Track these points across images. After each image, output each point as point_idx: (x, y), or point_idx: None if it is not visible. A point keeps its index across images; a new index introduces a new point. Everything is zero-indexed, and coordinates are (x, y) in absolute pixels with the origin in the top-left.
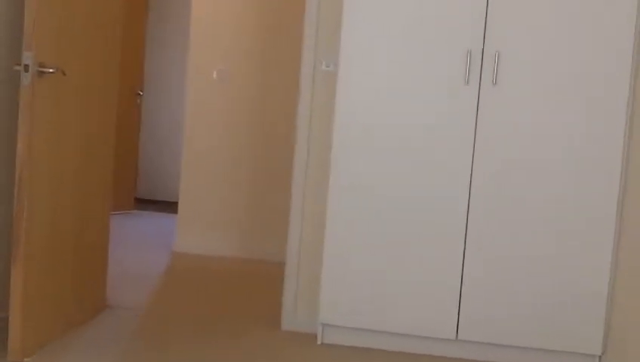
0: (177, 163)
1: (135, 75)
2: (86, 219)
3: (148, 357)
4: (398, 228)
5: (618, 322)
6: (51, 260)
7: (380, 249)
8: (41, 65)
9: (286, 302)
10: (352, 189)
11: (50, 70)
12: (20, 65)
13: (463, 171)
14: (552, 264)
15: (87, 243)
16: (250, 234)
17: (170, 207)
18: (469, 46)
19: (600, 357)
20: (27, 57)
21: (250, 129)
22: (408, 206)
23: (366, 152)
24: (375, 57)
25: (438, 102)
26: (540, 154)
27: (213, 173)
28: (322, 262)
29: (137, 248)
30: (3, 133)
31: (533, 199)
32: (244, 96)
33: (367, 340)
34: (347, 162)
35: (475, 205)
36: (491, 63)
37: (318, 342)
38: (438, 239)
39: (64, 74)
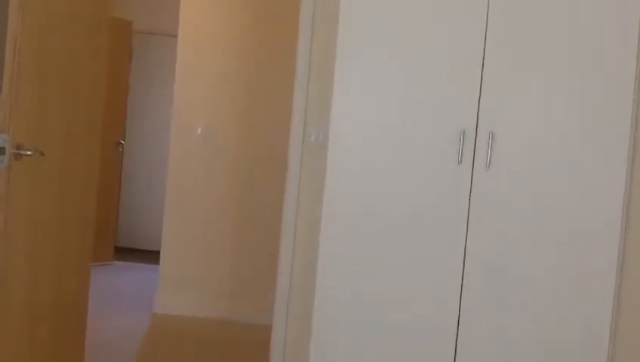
0: (158, 212)
1: (116, 123)
2: (64, 296)
3: None
4: (386, 317)
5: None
6: (27, 340)
7: (370, 339)
8: (19, 147)
9: None
10: (340, 273)
11: (28, 153)
12: None
13: (456, 256)
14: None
15: (65, 326)
16: (234, 294)
17: (150, 256)
18: (463, 126)
19: None
20: (3, 140)
21: (234, 187)
22: (397, 292)
23: (354, 235)
24: (366, 133)
25: (429, 183)
26: (536, 239)
27: (196, 233)
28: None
29: (116, 310)
30: None
31: (528, 288)
32: (228, 152)
33: None
34: (335, 246)
35: (467, 294)
36: (485, 144)
37: None
38: (429, 334)
39: (43, 154)
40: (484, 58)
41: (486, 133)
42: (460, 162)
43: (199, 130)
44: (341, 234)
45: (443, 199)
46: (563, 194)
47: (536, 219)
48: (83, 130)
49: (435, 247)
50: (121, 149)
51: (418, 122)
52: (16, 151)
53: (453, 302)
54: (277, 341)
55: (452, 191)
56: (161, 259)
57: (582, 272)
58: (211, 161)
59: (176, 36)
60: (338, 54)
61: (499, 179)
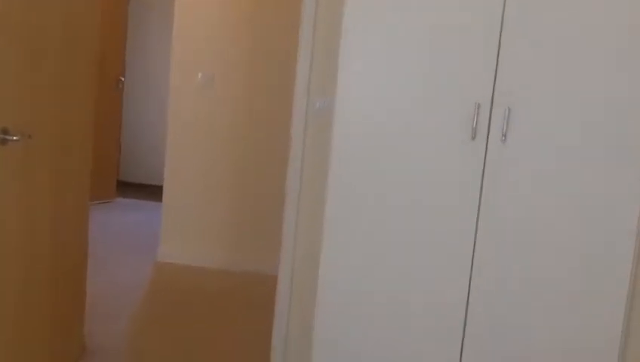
0: (160, 147)
1: (116, 60)
2: (62, 248)
3: None
4: (394, 292)
5: None
6: (26, 311)
7: (379, 308)
8: (4, 131)
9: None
10: (346, 245)
11: (14, 138)
12: None
13: (467, 232)
14: (563, 324)
15: (64, 297)
16: (237, 242)
17: (153, 192)
18: (478, 99)
19: None
20: None
21: (235, 134)
22: (404, 271)
23: (361, 211)
24: (375, 103)
25: (441, 156)
26: (551, 217)
27: (198, 179)
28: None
29: (117, 256)
30: None
31: (542, 264)
32: (230, 97)
33: None
34: (342, 220)
35: (478, 270)
36: (501, 119)
37: None
38: (439, 312)
39: (30, 137)
40: (501, 28)
41: (502, 107)
42: (473, 137)
43: (200, 75)
44: (347, 213)
45: (455, 174)
46: (583, 173)
47: (552, 197)
48: (78, 68)
49: (446, 223)
50: (121, 86)
51: (430, 93)
52: (1, 136)
53: (463, 283)
54: (282, 292)
55: (465, 166)
56: (163, 208)
57: (598, 254)
58: (212, 108)
59: None
60: (346, 17)
61: (514, 155)
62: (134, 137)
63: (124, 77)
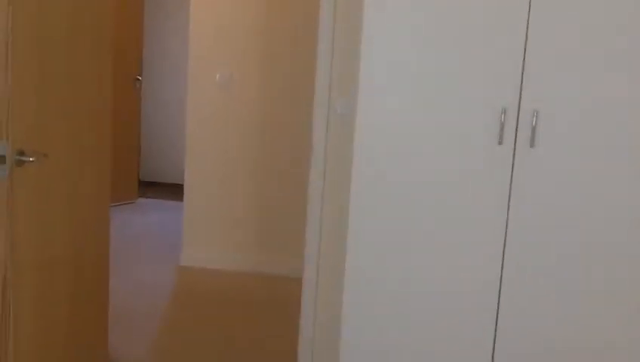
0: (180, 146)
1: (133, 59)
2: (83, 285)
3: None
4: (422, 298)
5: None
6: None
7: (406, 309)
8: (20, 153)
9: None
10: (371, 249)
11: (30, 159)
12: None
13: (496, 241)
14: (594, 338)
15: (86, 309)
16: (261, 244)
17: (174, 191)
18: (504, 103)
19: None
20: (2, 147)
21: (255, 131)
22: (432, 273)
23: (387, 211)
24: (397, 106)
25: (467, 162)
26: (580, 222)
27: (218, 180)
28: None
29: (140, 260)
30: None
31: (574, 275)
32: (248, 97)
33: None
34: (366, 221)
35: (507, 277)
36: (528, 122)
37: None
38: (466, 321)
39: (45, 155)
40: (527, 30)
41: (529, 111)
42: (500, 142)
43: (217, 75)
44: (372, 215)
45: (482, 180)
46: (616, 177)
47: (582, 202)
48: (92, 68)
49: (473, 229)
50: (138, 85)
51: (454, 97)
52: (17, 157)
53: (492, 290)
54: (308, 294)
55: (492, 172)
56: (184, 211)
57: (630, 259)
58: (230, 107)
59: None
60: (366, 17)
61: (542, 160)
62: (154, 136)
63: (141, 76)
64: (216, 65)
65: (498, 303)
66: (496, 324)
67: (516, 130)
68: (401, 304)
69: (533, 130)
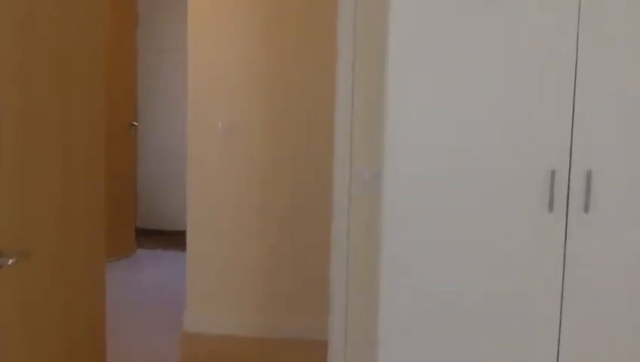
0: (179, 192)
1: (127, 104)
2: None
3: None
4: None
5: None
6: None
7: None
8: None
9: None
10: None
11: (10, 261)
12: None
13: (551, 317)
14: None
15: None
16: (272, 303)
17: (175, 239)
18: (553, 165)
19: None
20: None
21: (262, 180)
22: (482, 359)
23: (424, 294)
24: (431, 171)
25: (514, 232)
26: None
27: (222, 235)
28: None
29: (140, 326)
30: None
31: (636, 345)
32: (253, 146)
33: None
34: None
35: (565, 354)
36: (581, 185)
37: None
38: None
39: (29, 254)
40: (575, 80)
41: (582, 173)
42: (550, 209)
43: (220, 125)
44: (405, 305)
45: (532, 252)
46: None
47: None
48: (83, 121)
49: (526, 308)
50: (134, 131)
51: (496, 159)
52: None
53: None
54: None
55: (543, 242)
56: (187, 269)
57: None
58: (234, 157)
59: None
60: (390, 66)
61: (598, 227)
62: (152, 183)
63: (137, 121)
64: (218, 112)
65: None
66: None
67: (568, 194)
68: None
69: (587, 193)
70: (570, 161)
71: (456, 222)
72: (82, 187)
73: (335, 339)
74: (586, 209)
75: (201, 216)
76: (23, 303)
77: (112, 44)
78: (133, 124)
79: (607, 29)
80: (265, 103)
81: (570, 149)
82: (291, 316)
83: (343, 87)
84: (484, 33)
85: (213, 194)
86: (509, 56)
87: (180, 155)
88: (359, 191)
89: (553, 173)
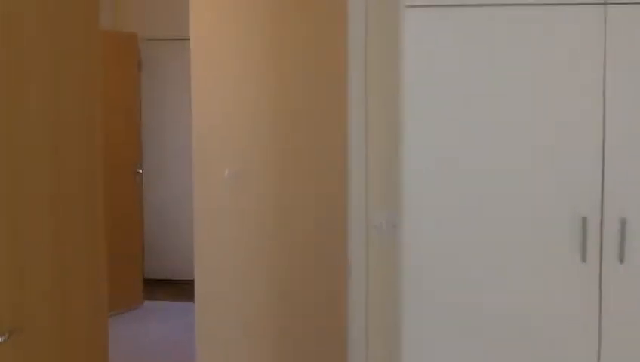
0: (188, 241)
1: (132, 151)
2: None
3: None
4: None
5: None
6: None
7: None
8: None
9: None
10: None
11: (1, 339)
12: None
13: None
14: None
15: None
16: (284, 360)
17: (183, 290)
18: (584, 211)
19: None
20: None
21: (273, 228)
22: None
23: (447, 341)
24: (454, 218)
25: (546, 283)
26: None
27: (232, 286)
28: None
29: None
30: None
31: None
32: (263, 193)
33: None
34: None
35: None
36: (615, 234)
37: None
38: None
39: (21, 330)
40: (604, 128)
41: (615, 220)
42: (584, 258)
43: (226, 171)
44: (429, 338)
45: (566, 304)
46: None
47: None
48: (79, 185)
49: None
50: (139, 179)
51: (524, 206)
52: None
53: None
54: None
55: (577, 294)
56: (196, 332)
57: None
58: (243, 204)
59: (187, 39)
60: (405, 110)
61: (636, 278)
62: (158, 231)
63: (141, 169)
64: (224, 157)
65: None
66: None
67: (601, 243)
68: None
69: (622, 242)
70: (602, 207)
71: (484, 273)
72: (80, 244)
73: None
74: (621, 259)
75: (210, 266)
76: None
77: (115, 88)
78: (138, 172)
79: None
80: (273, 146)
81: (602, 194)
82: None
83: (356, 131)
84: (510, 67)
85: (221, 243)
86: (536, 97)
87: (187, 201)
88: (376, 244)
89: (584, 220)
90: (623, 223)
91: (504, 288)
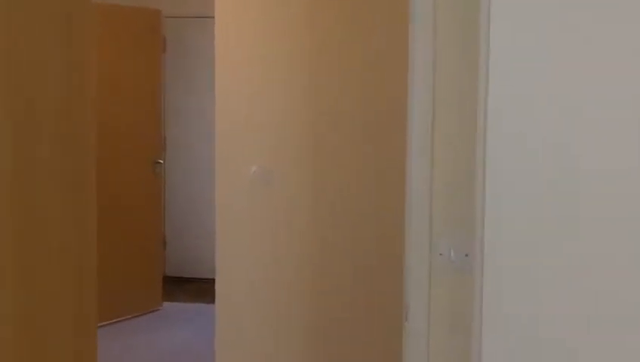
0: (209, 236)
1: (153, 141)
2: None
3: None
4: None
5: None
6: None
7: None
8: None
9: None
10: None
11: None
12: None
13: None
14: None
15: None
16: None
17: (204, 289)
18: None
19: None
20: None
21: (306, 232)
22: None
23: None
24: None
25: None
26: None
27: (256, 290)
28: None
29: None
30: None
31: None
32: (294, 194)
33: None
34: None
35: None
36: None
37: None
38: None
39: None
40: None
41: None
42: None
43: (254, 169)
44: None
45: None
46: None
47: None
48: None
49: None
50: (159, 170)
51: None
52: None
53: None
54: None
55: None
56: (217, 334)
57: None
58: (271, 206)
59: (212, 17)
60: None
61: None
62: (179, 226)
63: (163, 159)
64: (251, 152)
65: None
66: None
67: None
68: None
69: None
70: None
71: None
72: (53, 246)
73: None
74: None
75: (232, 266)
76: None
77: (136, 70)
78: (159, 162)
79: None
80: (307, 143)
81: None
82: None
83: (417, 135)
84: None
85: (245, 244)
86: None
87: (213, 194)
88: (442, 277)
89: None
90: None
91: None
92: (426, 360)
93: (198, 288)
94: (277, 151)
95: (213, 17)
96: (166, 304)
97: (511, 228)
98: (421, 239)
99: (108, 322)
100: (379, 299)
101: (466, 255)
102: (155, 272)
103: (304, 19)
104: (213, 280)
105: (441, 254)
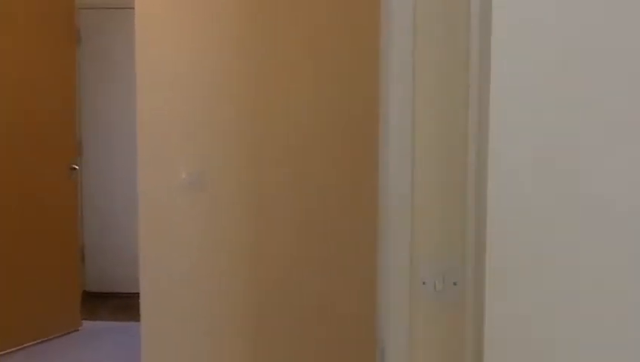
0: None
1: (67, 144)
2: None
3: None
4: None
5: None
6: None
7: None
8: None
9: None
10: None
11: None
12: None
13: None
14: None
15: None
16: None
17: (128, 305)
18: None
19: None
20: None
21: (243, 244)
22: None
23: None
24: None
25: None
26: None
27: (188, 327)
28: None
29: None
30: None
31: None
32: (229, 201)
33: None
34: None
35: None
36: None
37: None
38: None
39: None
40: None
41: None
42: None
43: (183, 176)
44: None
45: None
46: None
47: None
48: None
49: None
50: (75, 176)
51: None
52: None
53: None
54: None
55: None
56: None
57: None
58: (204, 215)
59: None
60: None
61: None
62: (99, 237)
63: (78, 164)
64: (179, 155)
65: None
66: None
67: None
68: None
69: None
70: None
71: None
72: None
73: None
74: None
75: (158, 280)
76: None
77: (46, 65)
78: (74, 168)
79: None
80: (243, 143)
81: None
82: None
83: (393, 132)
84: None
85: (171, 255)
86: None
87: (133, 203)
88: (426, 311)
89: None
90: None
91: None
92: None
93: (121, 304)
94: (207, 155)
95: (133, 8)
96: (86, 323)
97: (515, 250)
98: (399, 263)
99: (20, 346)
100: (323, 312)
101: (455, 283)
102: (72, 288)
103: (236, 5)
104: (137, 295)
105: (424, 283)
